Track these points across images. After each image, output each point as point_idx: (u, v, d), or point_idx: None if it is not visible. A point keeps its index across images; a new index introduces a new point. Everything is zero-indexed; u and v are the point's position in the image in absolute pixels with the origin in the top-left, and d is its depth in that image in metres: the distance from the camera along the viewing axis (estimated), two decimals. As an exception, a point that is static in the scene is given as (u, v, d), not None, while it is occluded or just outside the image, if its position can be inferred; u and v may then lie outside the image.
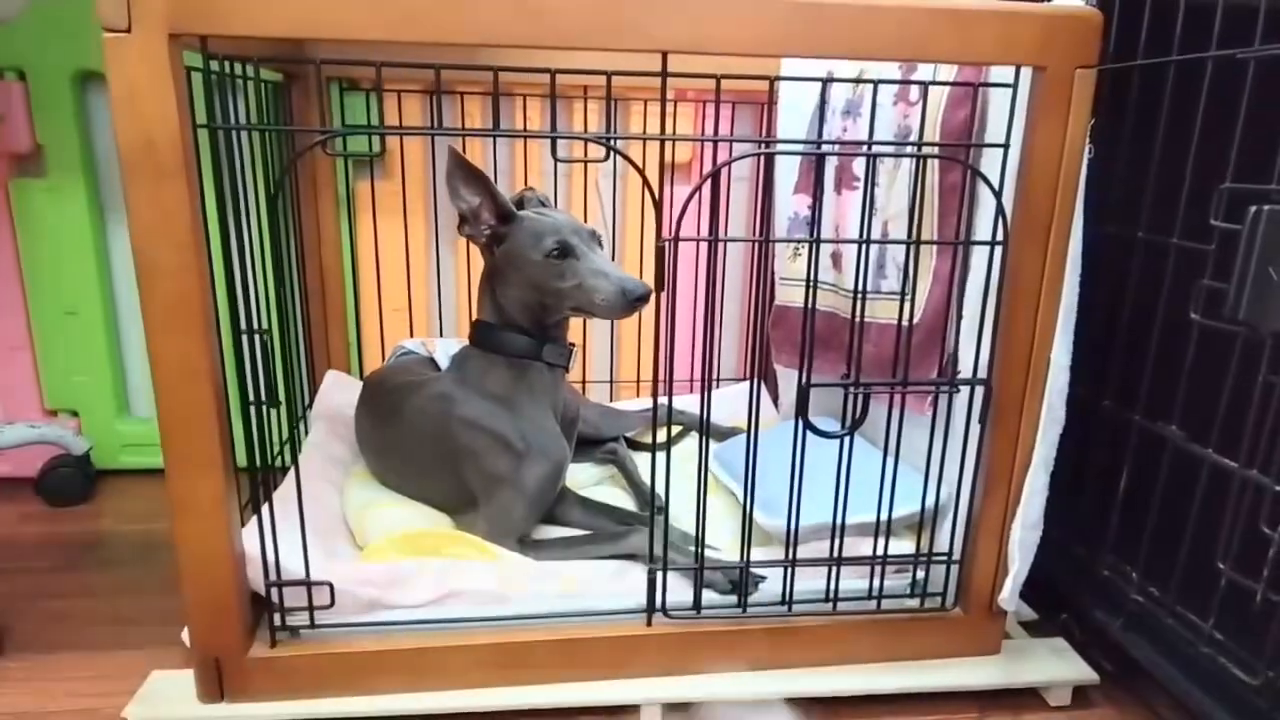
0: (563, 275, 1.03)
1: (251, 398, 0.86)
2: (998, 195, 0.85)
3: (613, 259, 1.61)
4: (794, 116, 1.37)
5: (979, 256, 0.94)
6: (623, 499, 1.29)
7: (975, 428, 0.93)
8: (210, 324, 0.81)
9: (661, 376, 0.90)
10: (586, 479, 1.33)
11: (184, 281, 0.78)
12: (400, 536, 1.04)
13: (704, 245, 0.85)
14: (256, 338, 0.84)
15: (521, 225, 1.05)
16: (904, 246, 1.12)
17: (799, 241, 1.29)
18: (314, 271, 1.42)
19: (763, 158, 0.85)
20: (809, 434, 0.90)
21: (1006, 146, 0.86)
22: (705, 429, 0.94)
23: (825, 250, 1.31)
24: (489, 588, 0.97)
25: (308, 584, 0.89)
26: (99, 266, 1.47)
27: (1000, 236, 0.86)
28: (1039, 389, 0.91)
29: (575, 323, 1.58)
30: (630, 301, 1.00)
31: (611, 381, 1.63)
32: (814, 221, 0.88)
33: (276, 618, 0.91)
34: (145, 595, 1.18)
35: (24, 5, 1.21)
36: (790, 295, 1.40)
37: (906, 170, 1.09)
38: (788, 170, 1.37)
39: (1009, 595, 0.95)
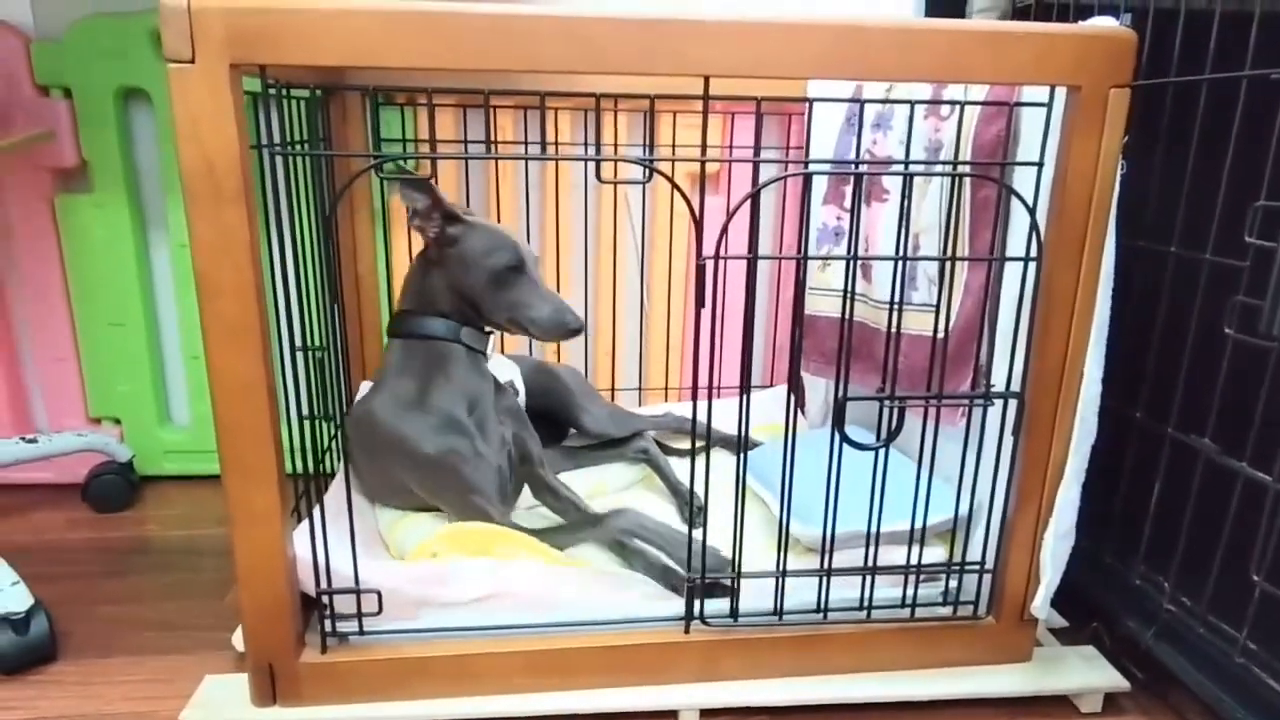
0: (509, 290, 1.08)
1: (305, 411, 0.88)
2: (1032, 212, 0.86)
3: (642, 273, 1.65)
4: (822, 129, 1.39)
5: (1012, 270, 0.95)
6: (658, 502, 1.31)
7: (1008, 440, 0.94)
8: (267, 341, 0.84)
9: (701, 386, 0.92)
10: (619, 481, 1.35)
11: (243, 301, 0.81)
12: (447, 533, 1.07)
13: (736, 264, 0.87)
14: (310, 354, 0.87)
15: (476, 231, 1.08)
16: (934, 261, 1.14)
17: (836, 259, 1.31)
18: (349, 285, 1.45)
19: (802, 175, 0.87)
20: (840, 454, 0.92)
21: (1041, 165, 0.88)
22: (744, 441, 0.95)
23: (854, 263, 1.32)
24: (536, 590, 0.99)
25: (357, 591, 0.92)
26: (141, 280, 1.50)
27: (1034, 253, 0.88)
28: (1071, 402, 0.92)
29: (604, 329, 1.62)
30: (565, 331, 1.07)
31: (640, 389, 1.65)
32: (851, 236, 0.90)
33: (327, 624, 0.93)
34: (192, 600, 1.22)
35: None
36: (818, 305, 1.42)
37: (937, 183, 1.11)
38: (816, 182, 1.39)
39: (1041, 604, 0.96)
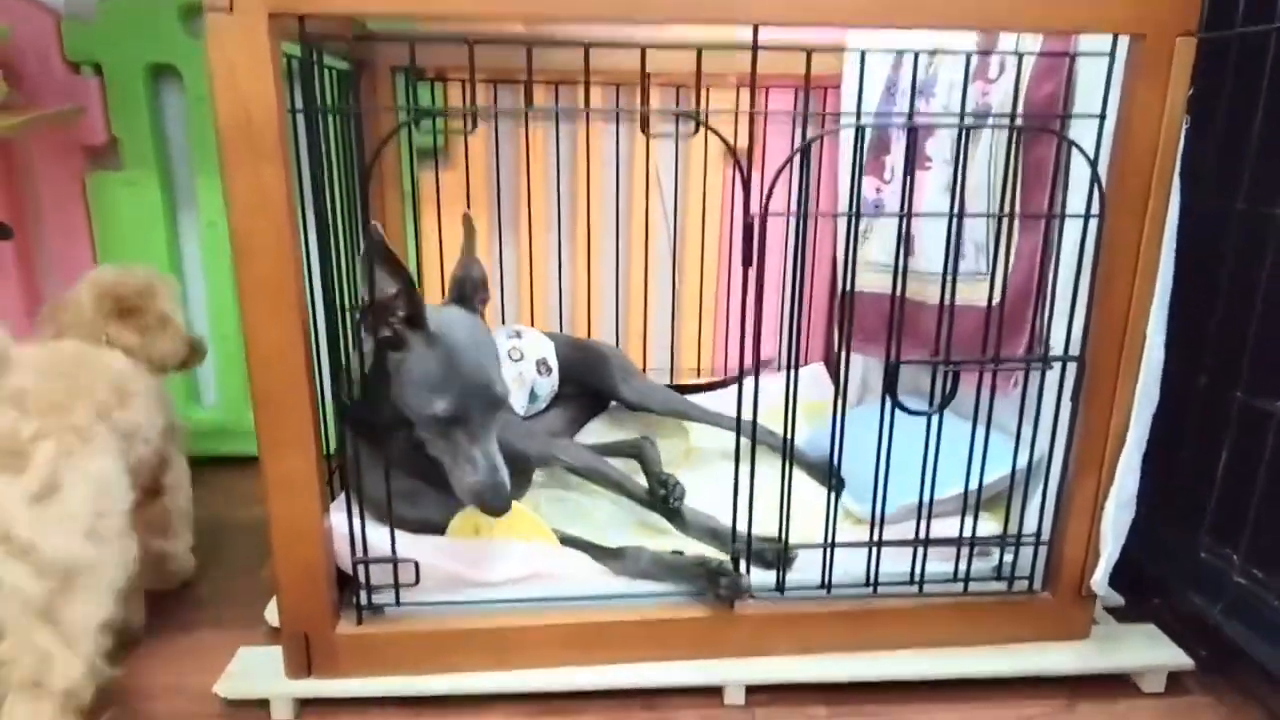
0: (441, 436, 0.90)
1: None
2: (1094, 165, 0.83)
3: (674, 252, 1.62)
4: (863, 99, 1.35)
5: (1069, 231, 0.91)
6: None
7: (1067, 406, 0.91)
8: (303, 303, 0.82)
9: (747, 360, 0.89)
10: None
11: (279, 260, 0.79)
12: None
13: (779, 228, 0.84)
14: (347, 316, 0.85)
15: (423, 357, 0.88)
16: (982, 226, 1.10)
17: (887, 216, 1.27)
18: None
19: (855, 132, 0.84)
20: (866, 401, 0.88)
21: (1103, 117, 0.84)
22: (792, 399, 0.92)
23: (893, 233, 1.29)
24: (581, 576, 0.97)
25: (394, 561, 0.90)
26: (171, 258, 1.49)
27: (1096, 209, 0.84)
28: (1133, 365, 0.88)
29: (635, 308, 1.59)
30: (481, 504, 0.89)
31: (672, 369, 1.62)
32: (905, 193, 0.86)
33: (363, 595, 0.91)
34: (224, 576, 1.20)
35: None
36: (857, 280, 1.39)
37: (985, 147, 1.07)
38: (850, 145, 1.36)
39: (1101, 578, 0.93)
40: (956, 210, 0.88)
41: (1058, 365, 0.90)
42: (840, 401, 0.95)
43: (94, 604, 0.80)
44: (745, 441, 0.90)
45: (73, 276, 1.47)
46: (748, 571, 0.93)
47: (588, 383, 1.40)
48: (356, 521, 0.89)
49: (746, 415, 0.91)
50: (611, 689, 0.93)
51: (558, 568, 0.99)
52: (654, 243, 1.58)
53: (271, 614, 1.03)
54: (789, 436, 0.92)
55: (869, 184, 1.34)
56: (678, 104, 1.51)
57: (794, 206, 0.84)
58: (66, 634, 0.78)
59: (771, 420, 1.07)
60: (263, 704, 0.91)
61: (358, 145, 0.95)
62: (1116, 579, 1.00)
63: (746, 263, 0.83)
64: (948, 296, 0.88)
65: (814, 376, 1.59)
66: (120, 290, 1.06)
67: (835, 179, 1.49)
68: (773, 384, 0.97)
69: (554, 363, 1.39)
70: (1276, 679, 0.87)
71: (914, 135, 0.84)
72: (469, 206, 1.49)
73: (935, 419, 0.90)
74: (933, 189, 1.20)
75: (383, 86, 1.39)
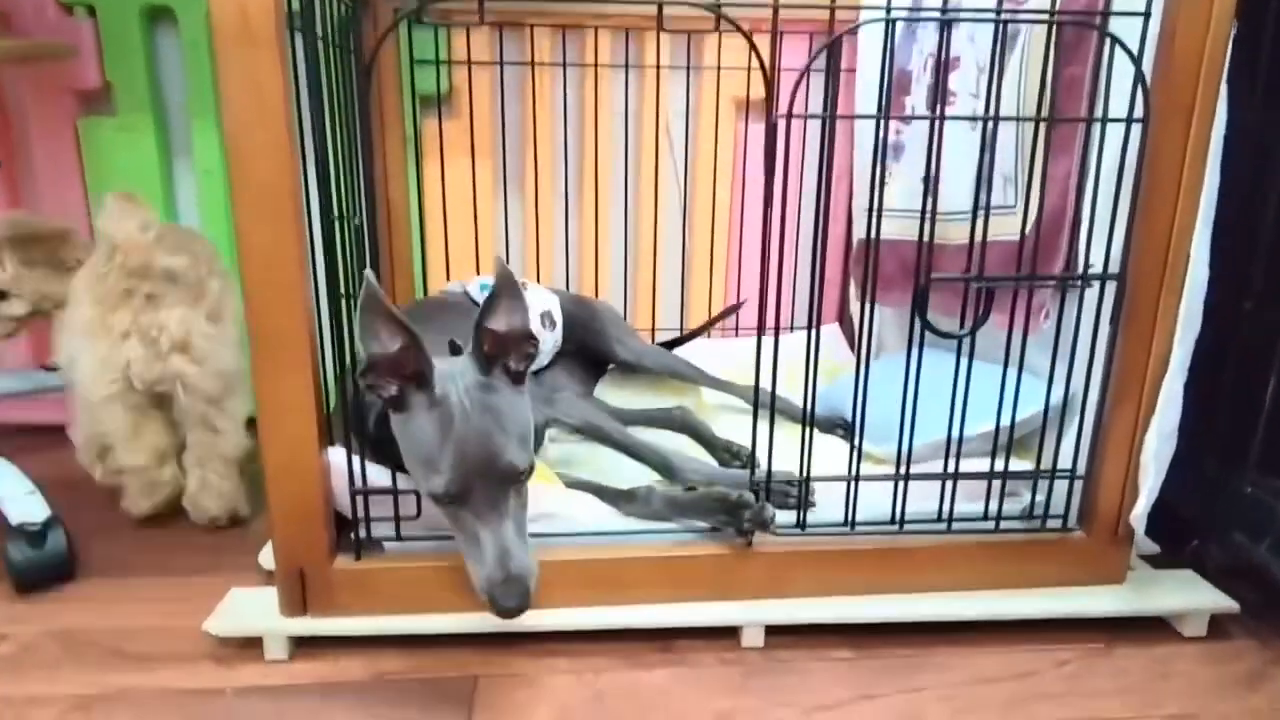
0: (447, 514, 0.78)
1: (342, 289, 0.82)
2: (1138, 63, 0.78)
3: (684, 207, 1.57)
4: (878, 37, 1.31)
5: (1107, 146, 0.87)
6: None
7: (1105, 330, 0.86)
8: (300, 210, 0.77)
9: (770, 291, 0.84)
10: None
11: (276, 163, 0.75)
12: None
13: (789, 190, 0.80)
14: (345, 224, 0.80)
15: (422, 424, 0.76)
16: (1011, 156, 1.06)
17: (919, 118, 1.22)
18: (380, 212, 1.39)
19: (884, 28, 0.79)
20: (919, 357, 0.84)
21: (1147, 15, 0.79)
22: (816, 320, 0.87)
23: (916, 175, 1.24)
24: (584, 514, 0.92)
25: (394, 492, 0.85)
26: (165, 207, 1.45)
27: (1140, 113, 0.80)
28: (1177, 285, 0.84)
29: (645, 266, 1.54)
30: (491, 604, 0.74)
31: (681, 329, 1.57)
32: (938, 89, 0.81)
33: (361, 529, 0.87)
34: (219, 530, 1.16)
35: None
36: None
37: (1016, 66, 1.02)
38: (873, 92, 1.31)
39: (1141, 512, 0.88)
40: (980, 143, 0.84)
41: (1094, 292, 0.85)
42: (864, 340, 0.90)
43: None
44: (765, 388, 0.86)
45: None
46: (769, 500, 0.88)
47: (584, 341, 1.35)
48: (355, 448, 0.84)
49: (767, 365, 0.85)
50: (625, 629, 0.88)
51: (566, 508, 0.94)
52: (664, 196, 1.53)
53: (266, 559, 0.98)
54: (812, 351, 0.87)
55: (891, 127, 1.29)
56: (689, 52, 1.46)
57: (826, 104, 0.80)
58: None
59: (784, 382, 0.99)
60: (255, 644, 0.87)
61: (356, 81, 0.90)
62: (1153, 526, 0.96)
63: (769, 170, 0.79)
64: (979, 228, 0.84)
65: (832, 335, 1.55)
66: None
67: (852, 127, 1.44)
68: (788, 343, 0.91)
69: (558, 317, 1.34)
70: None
71: (947, 31, 0.80)
72: (473, 155, 1.45)
73: (965, 345, 0.85)
74: (958, 125, 1.15)
75: (384, 29, 1.35)
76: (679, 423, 1.27)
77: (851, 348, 1.52)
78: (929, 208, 0.84)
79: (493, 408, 0.76)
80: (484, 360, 0.78)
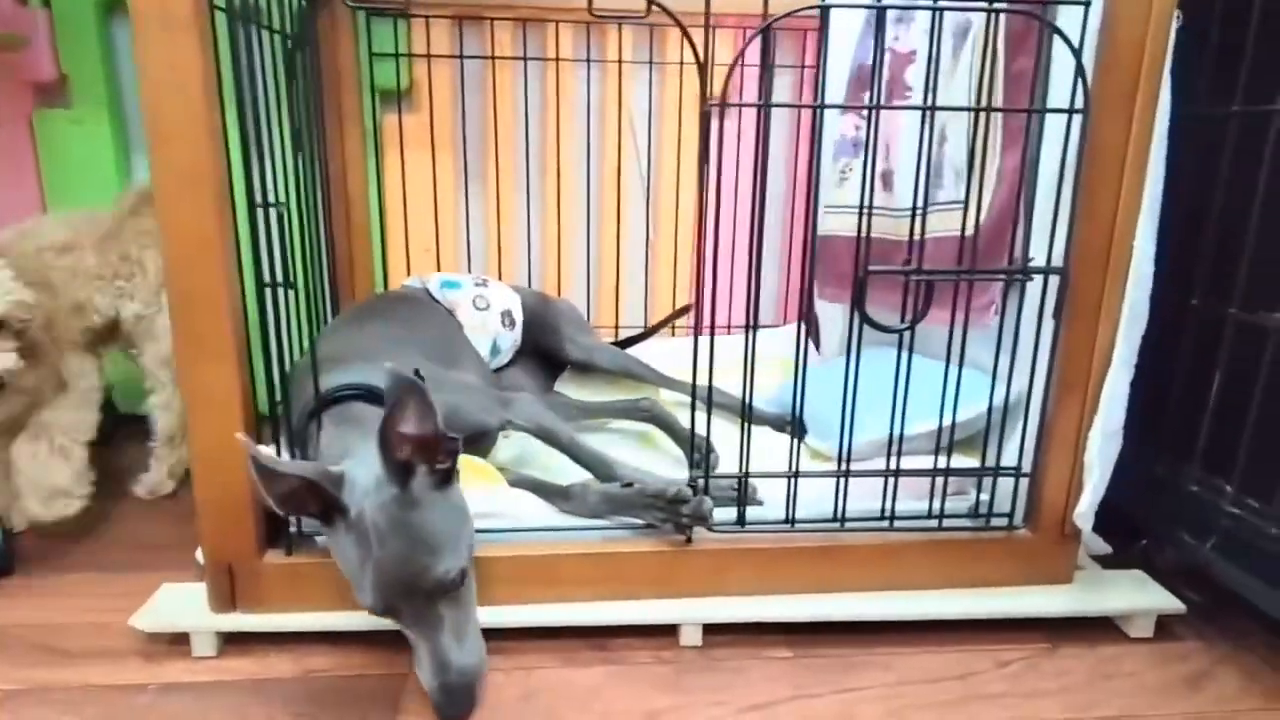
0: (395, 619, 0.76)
1: (267, 279, 0.80)
2: (1077, 55, 0.77)
3: (648, 203, 1.56)
4: (838, 35, 1.30)
5: (1054, 137, 0.86)
6: (660, 461, 1.20)
7: (1049, 324, 0.85)
8: (223, 194, 0.76)
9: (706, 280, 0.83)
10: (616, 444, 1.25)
11: (195, 146, 0.73)
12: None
13: (746, 188, 0.78)
14: (272, 212, 0.78)
15: (344, 544, 0.74)
16: (962, 150, 1.05)
17: (861, 107, 1.21)
18: (338, 211, 1.37)
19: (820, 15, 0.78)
20: (864, 355, 0.82)
21: (1087, 4, 0.78)
22: (753, 321, 0.86)
23: (876, 171, 1.23)
24: (522, 512, 0.91)
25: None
26: (123, 201, 1.43)
27: (1080, 103, 0.78)
28: (1120, 279, 0.82)
29: (609, 263, 1.53)
30: (437, 712, 0.74)
31: (645, 327, 1.56)
32: (874, 79, 0.80)
33: (293, 521, 0.85)
34: (164, 523, 1.14)
35: None
36: (835, 225, 1.33)
37: (966, 64, 1.01)
38: (833, 89, 1.30)
39: (1085, 511, 0.86)
40: (927, 145, 0.82)
41: (1041, 287, 0.84)
42: (801, 338, 0.89)
43: None
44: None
45: (19, 218, 1.42)
46: (706, 492, 0.86)
47: (538, 340, 1.33)
48: (285, 432, 0.83)
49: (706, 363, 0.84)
50: (560, 627, 0.87)
51: (503, 508, 0.93)
52: (627, 192, 1.52)
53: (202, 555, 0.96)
54: (749, 358, 0.85)
55: (848, 122, 1.28)
56: (651, 46, 1.45)
57: (761, 93, 0.78)
58: None
59: (733, 374, 0.98)
60: (184, 640, 0.85)
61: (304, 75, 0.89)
62: (1101, 525, 0.94)
63: (704, 159, 0.78)
64: (919, 225, 0.83)
65: (792, 335, 1.53)
66: None
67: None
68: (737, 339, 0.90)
69: (519, 316, 1.32)
70: (1268, 621, 0.81)
71: (882, 19, 0.78)
72: (433, 150, 1.44)
73: (907, 340, 0.84)
74: (912, 119, 1.15)
75: (341, 21, 1.34)
76: (646, 413, 1.26)
77: (816, 346, 1.50)
78: (866, 201, 0.83)
79: (410, 526, 0.72)
80: (399, 469, 0.73)
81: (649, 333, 1.51)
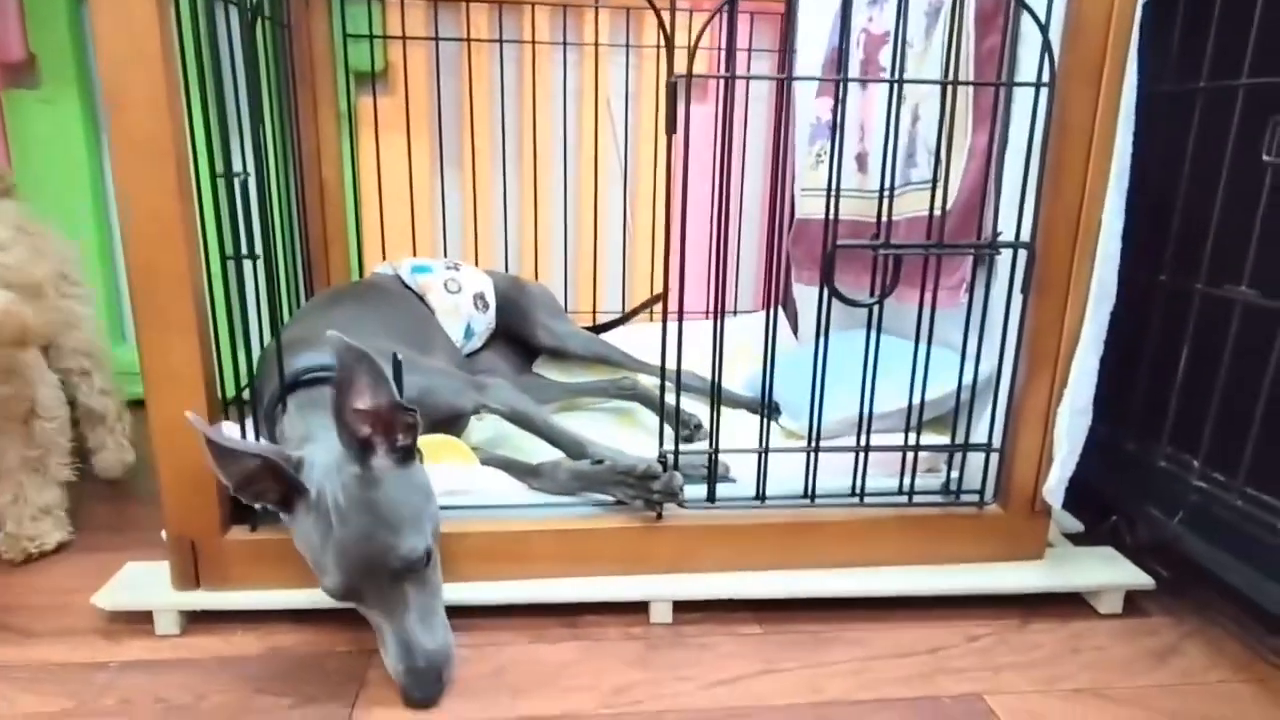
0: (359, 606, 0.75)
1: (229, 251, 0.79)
2: (1044, 29, 0.77)
3: (625, 186, 1.55)
4: (816, 19, 1.30)
5: (1020, 124, 0.86)
6: (642, 439, 1.20)
7: (1018, 300, 0.85)
8: (184, 164, 0.75)
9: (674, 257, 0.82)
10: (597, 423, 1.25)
11: (155, 114, 0.72)
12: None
13: (717, 172, 0.78)
14: (233, 182, 0.77)
15: (305, 525, 0.73)
16: (934, 130, 1.04)
17: (831, 81, 1.20)
18: (313, 191, 1.36)
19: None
20: (839, 337, 0.82)
21: (1054, -23, 0.78)
22: (722, 268, 0.85)
23: (848, 155, 1.23)
24: (492, 489, 0.90)
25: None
26: (93, 185, 1.42)
27: (1047, 77, 0.78)
28: (1089, 254, 0.82)
29: (586, 248, 1.52)
30: (402, 696, 0.73)
31: (624, 312, 1.55)
32: (841, 53, 0.80)
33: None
34: (132, 505, 1.13)
35: None
36: (811, 208, 1.33)
37: (938, 44, 1.01)
38: (809, 71, 1.30)
39: (1054, 486, 0.87)
40: (898, 124, 0.82)
41: (1010, 265, 0.84)
42: (771, 318, 0.89)
43: None
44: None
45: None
46: (676, 468, 0.86)
47: (510, 325, 1.32)
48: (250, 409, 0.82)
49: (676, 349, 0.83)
50: (529, 605, 0.86)
51: (474, 485, 0.92)
52: (604, 176, 1.51)
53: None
54: (718, 324, 0.85)
55: (824, 105, 1.28)
56: (628, 29, 1.45)
57: (725, 64, 0.78)
58: None
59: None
60: (147, 619, 0.84)
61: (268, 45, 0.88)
62: (1073, 504, 0.95)
63: (670, 130, 0.77)
64: (888, 200, 0.82)
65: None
66: None
67: (793, 111, 1.43)
68: (730, 326, 0.90)
69: (491, 299, 1.32)
70: (1236, 596, 0.81)
71: (845, 44, 0.78)
72: (409, 133, 1.43)
73: (877, 317, 0.84)
74: (885, 100, 1.14)
75: (316, 4, 1.32)
76: (629, 391, 1.26)
77: (795, 331, 1.50)
78: (836, 177, 0.83)
79: (373, 504, 0.71)
80: (358, 446, 0.72)
81: (623, 319, 1.51)
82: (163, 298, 0.76)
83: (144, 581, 0.86)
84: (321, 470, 0.73)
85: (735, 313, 1.55)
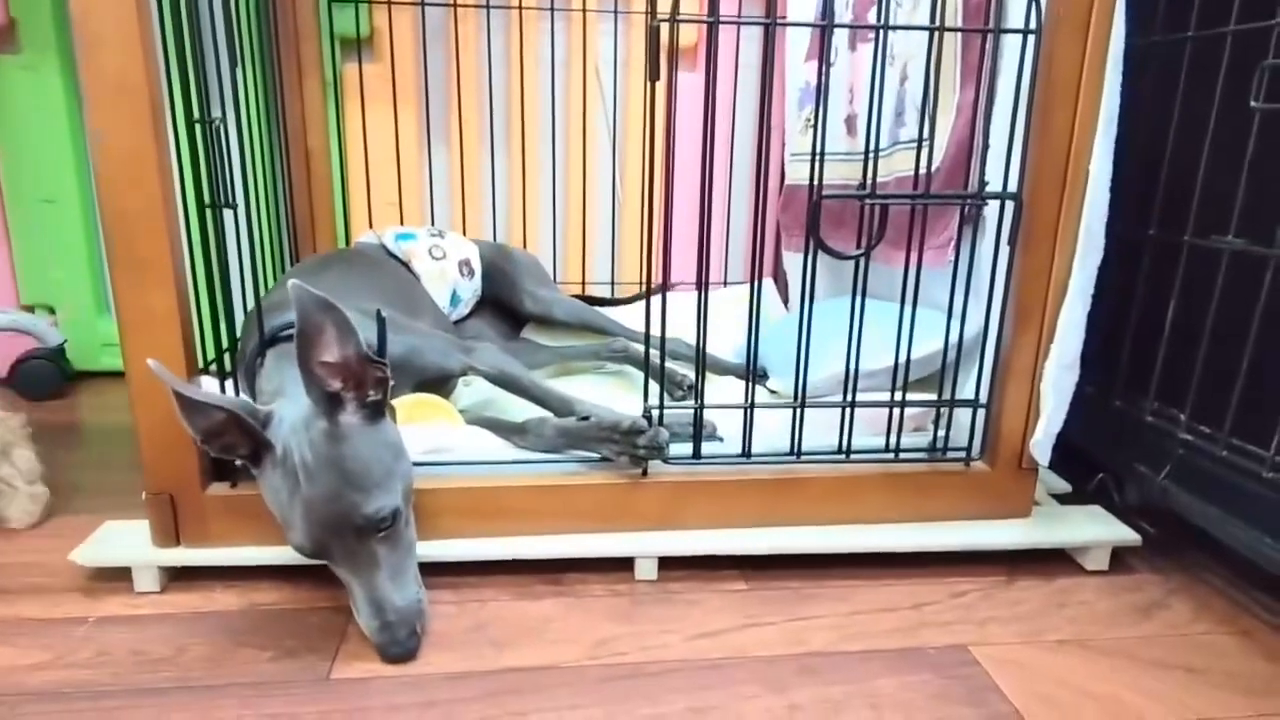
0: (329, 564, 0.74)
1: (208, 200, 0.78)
2: (1031, -26, 0.76)
3: (614, 156, 1.54)
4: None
5: (1007, 77, 0.85)
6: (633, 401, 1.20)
7: (1004, 253, 0.84)
8: (158, 105, 0.73)
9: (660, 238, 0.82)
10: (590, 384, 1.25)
11: (128, 53, 0.71)
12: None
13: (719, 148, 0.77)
14: (209, 127, 0.76)
15: (272, 481, 0.72)
16: (922, 89, 1.04)
17: (811, 26, 1.19)
18: (298, 159, 1.35)
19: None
20: (828, 302, 0.82)
21: (1041, -78, 0.77)
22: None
23: (838, 118, 1.22)
24: (478, 447, 0.89)
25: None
26: (76, 153, 1.40)
27: (1034, 24, 0.78)
28: (1075, 205, 0.82)
29: (575, 218, 1.51)
30: (379, 653, 0.73)
31: (613, 283, 1.55)
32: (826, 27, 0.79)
33: (236, 454, 0.83)
34: (114, 470, 1.12)
35: None
36: (801, 173, 1.32)
37: (926, 2, 1.00)
38: (798, 37, 1.29)
39: (1041, 441, 0.86)
40: (883, 84, 0.81)
41: (997, 222, 0.83)
42: (756, 280, 0.88)
43: None
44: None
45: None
46: (661, 423, 0.85)
47: (497, 293, 1.32)
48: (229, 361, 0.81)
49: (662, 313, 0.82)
50: (513, 561, 0.85)
51: (458, 443, 0.91)
52: (593, 145, 1.50)
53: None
54: (703, 291, 0.84)
55: (812, 69, 1.27)
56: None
57: (710, 9, 0.77)
58: None
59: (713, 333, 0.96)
60: (127, 576, 0.83)
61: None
62: (1061, 464, 0.95)
63: (653, 77, 0.76)
64: (874, 148, 0.82)
65: (765, 289, 1.52)
66: None
67: (783, 73, 1.42)
68: (720, 297, 0.89)
69: (477, 266, 1.31)
70: (1223, 551, 0.81)
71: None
72: (395, 101, 1.41)
73: (863, 276, 0.83)
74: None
75: (299, -36, 1.31)
76: (621, 353, 1.26)
77: (785, 303, 1.49)
78: (820, 130, 0.82)
79: (339, 461, 0.70)
80: (327, 400, 0.70)
81: (618, 302, 1.50)
82: (137, 242, 0.75)
83: (123, 539, 0.85)
84: (289, 425, 0.71)
85: (726, 283, 1.54)
